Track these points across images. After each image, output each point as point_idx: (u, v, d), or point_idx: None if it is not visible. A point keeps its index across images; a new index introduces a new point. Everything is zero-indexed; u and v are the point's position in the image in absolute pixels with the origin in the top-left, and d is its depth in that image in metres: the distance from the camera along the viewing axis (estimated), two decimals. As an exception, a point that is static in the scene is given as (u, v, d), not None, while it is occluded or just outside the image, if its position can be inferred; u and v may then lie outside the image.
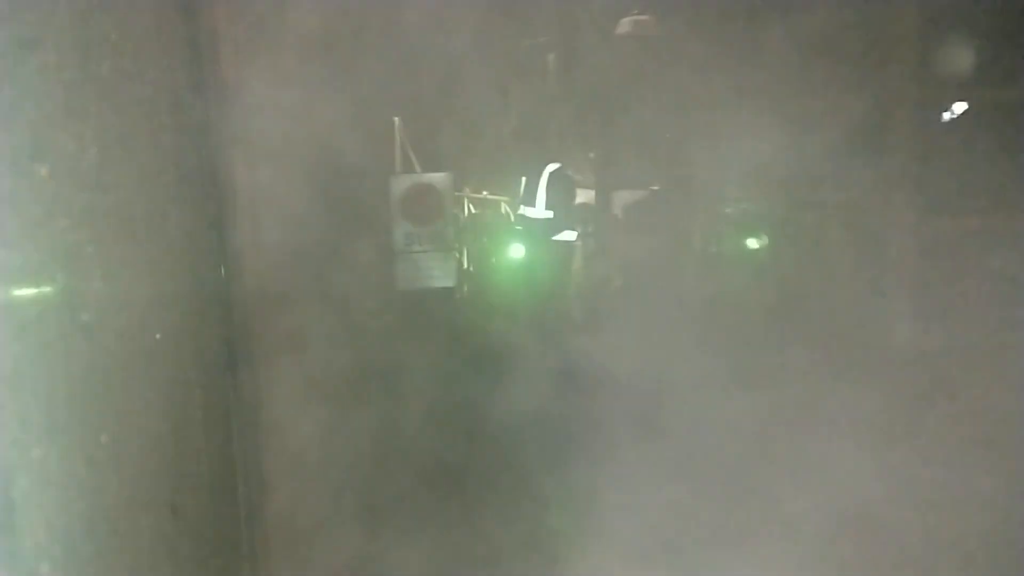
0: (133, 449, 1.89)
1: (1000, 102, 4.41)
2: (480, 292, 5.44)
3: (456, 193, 5.92)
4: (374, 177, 5.27)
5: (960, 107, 4.47)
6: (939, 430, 3.76)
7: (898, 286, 4.63)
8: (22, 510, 1.44)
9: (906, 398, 3.88)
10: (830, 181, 4.66)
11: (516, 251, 5.22)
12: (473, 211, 6.70)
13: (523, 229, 5.29)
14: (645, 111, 5.10)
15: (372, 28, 4.41)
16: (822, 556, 3.22)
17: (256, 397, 3.03)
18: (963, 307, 4.26)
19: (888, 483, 3.45)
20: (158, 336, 2.08)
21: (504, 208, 6.74)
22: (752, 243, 4.80)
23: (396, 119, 5.77)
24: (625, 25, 5.68)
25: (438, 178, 5.48)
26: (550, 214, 5.19)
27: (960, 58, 4.39)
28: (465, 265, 5.87)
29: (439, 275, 5.37)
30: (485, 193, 6.81)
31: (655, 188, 5.49)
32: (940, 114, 4.54)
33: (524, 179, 5.33)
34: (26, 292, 1.51)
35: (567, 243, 5.26)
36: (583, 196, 5.37)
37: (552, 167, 5.24)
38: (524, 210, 5.29)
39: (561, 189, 5.16)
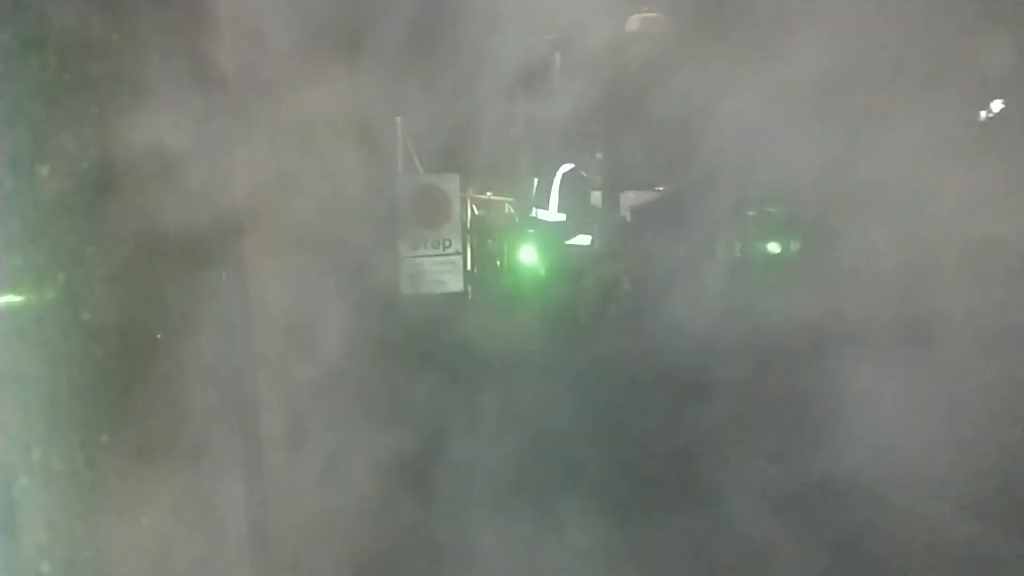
0: (133, 449, 1.89)
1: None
2: (495, 300, 5.22)
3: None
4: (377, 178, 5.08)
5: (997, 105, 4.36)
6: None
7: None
8: (22, 510, 1.46)
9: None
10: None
11: (528, 255, 5.03)
12: (477, 212, 6.52)
13: (535, 233, 5.10)
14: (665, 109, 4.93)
15: (375, 26, 4.25)
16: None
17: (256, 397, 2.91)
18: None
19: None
20: (159, 336, 2.09)
21: (508, 208, 6.56)
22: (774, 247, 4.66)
23: (397, 119, 5.57)
24: (635, 22, 5.54)
25: (445, 179, 5.30)
26: (563, 217, 5.02)
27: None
28: (472, 269, 5.68)
29: (448, 280, 5.19)
30: (489, 194, 6.63)
31: (659, 188, 5.34)
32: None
33: (536, 180, 5.15)
34: (27, 293, 1.53)
35: (582, 247, 5.08)
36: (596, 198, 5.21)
37: (565, 168, 5.06)
38: (536, 213, 5.11)
39: (575, 191, 4.99)
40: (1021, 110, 4.49)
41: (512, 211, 6.40)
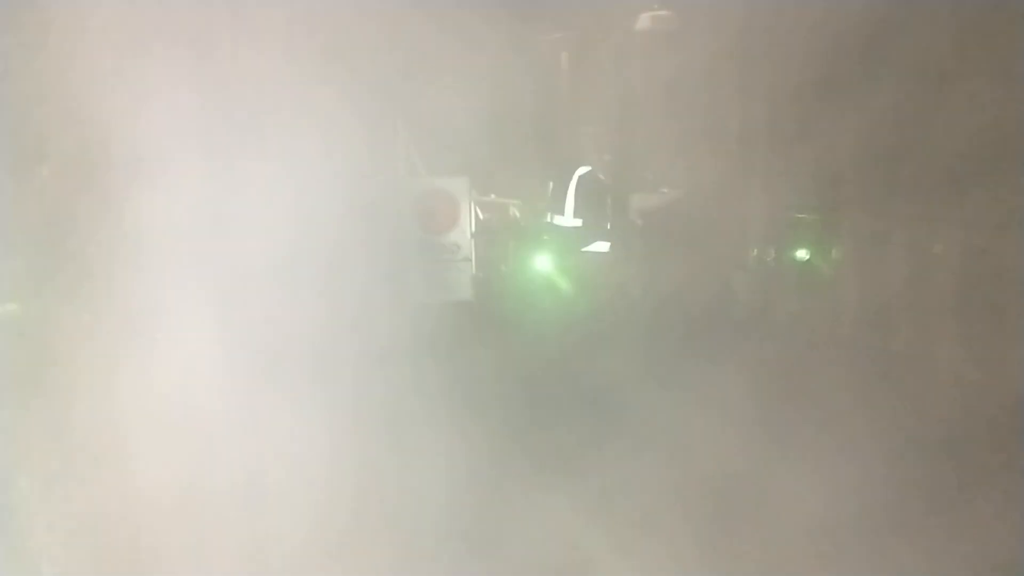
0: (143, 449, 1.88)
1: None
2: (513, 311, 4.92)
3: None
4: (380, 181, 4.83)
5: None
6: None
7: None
8: (22, 510, 1.51)
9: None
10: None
11: (542, 263, 4.76)
12: (481, 216, 6.25)
13: (550, 239, 4.84)
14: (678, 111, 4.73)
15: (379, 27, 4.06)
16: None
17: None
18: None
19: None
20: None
21: (513, 211, 6.31)
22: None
23: (399, 120, 5.32)
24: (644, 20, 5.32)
25: (453, 183, 5.04)
26: (579, 222, 4.76)
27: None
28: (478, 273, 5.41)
29: (456, 287, 4.95)
30: (493, 196, 6.37)
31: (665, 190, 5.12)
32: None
33: (551, 184, 4.89)
34: (27, 294, 1.59)
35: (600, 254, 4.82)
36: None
37: (582, 170, 4.80)
38: (552, 218, 4.85)
39: (592, 195, 4.73)
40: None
41: (517, 214, 6.14)
